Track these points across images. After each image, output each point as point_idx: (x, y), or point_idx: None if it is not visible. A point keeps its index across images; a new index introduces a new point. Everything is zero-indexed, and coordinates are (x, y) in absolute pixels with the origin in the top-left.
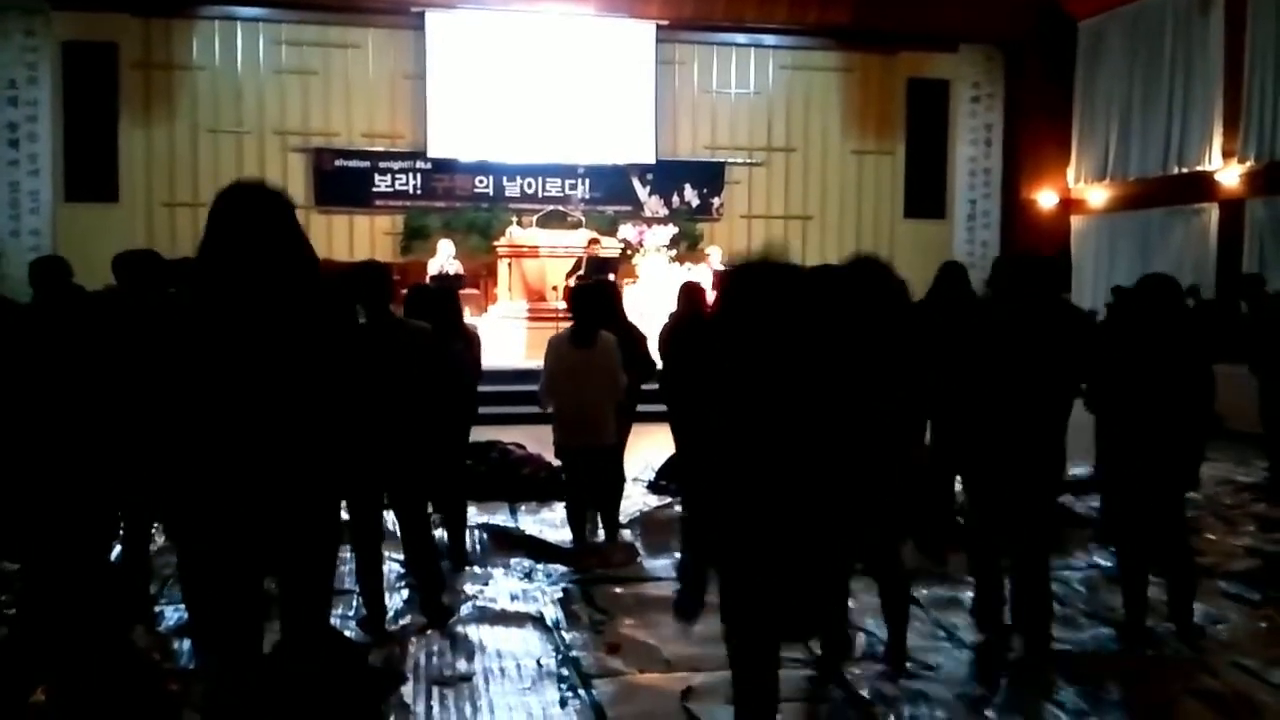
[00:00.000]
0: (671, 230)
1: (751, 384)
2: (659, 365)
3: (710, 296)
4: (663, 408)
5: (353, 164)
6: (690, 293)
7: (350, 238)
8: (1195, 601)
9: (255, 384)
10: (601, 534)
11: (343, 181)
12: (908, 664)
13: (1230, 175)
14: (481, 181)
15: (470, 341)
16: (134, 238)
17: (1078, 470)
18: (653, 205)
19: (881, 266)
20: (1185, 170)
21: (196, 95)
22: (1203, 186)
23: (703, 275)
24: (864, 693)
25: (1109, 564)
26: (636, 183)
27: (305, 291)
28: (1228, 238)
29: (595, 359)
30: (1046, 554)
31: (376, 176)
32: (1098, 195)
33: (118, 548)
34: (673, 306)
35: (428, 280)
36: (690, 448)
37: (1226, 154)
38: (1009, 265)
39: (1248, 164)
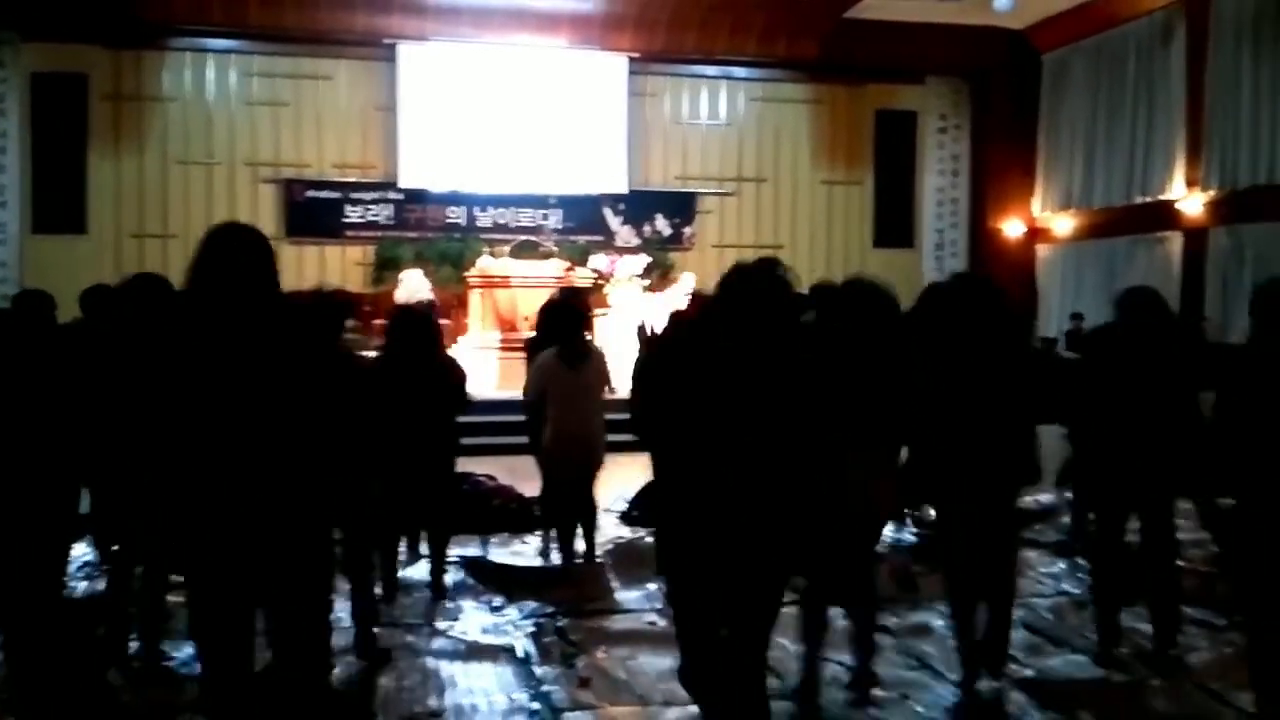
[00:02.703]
0: (643, 260)
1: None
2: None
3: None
4: (633, 438)
5: (324, 195)
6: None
7: (321, 268)
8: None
9: (242, 413)
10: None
11: (313, 212)
12: (879, 691)
13: (1193, 204)
14: (454, 212)
15: (450, 370)
16: (102, 270)
17: (1042, 497)
18: (625, 235)
19: (872, 288)
20: (1148, 199)
21: (167, 126)
22: (1166, 215)
23: (673, 301)
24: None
25: (1077, 591)
26: (608, 213)
27: (288, 326)
28: (1191, 266)
29: (588, 377)
30: (1012, 578)
31: (347, 207)
32: (1063, 224)
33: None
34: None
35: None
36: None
37: (1189, 183)
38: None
39: (1210, 193)
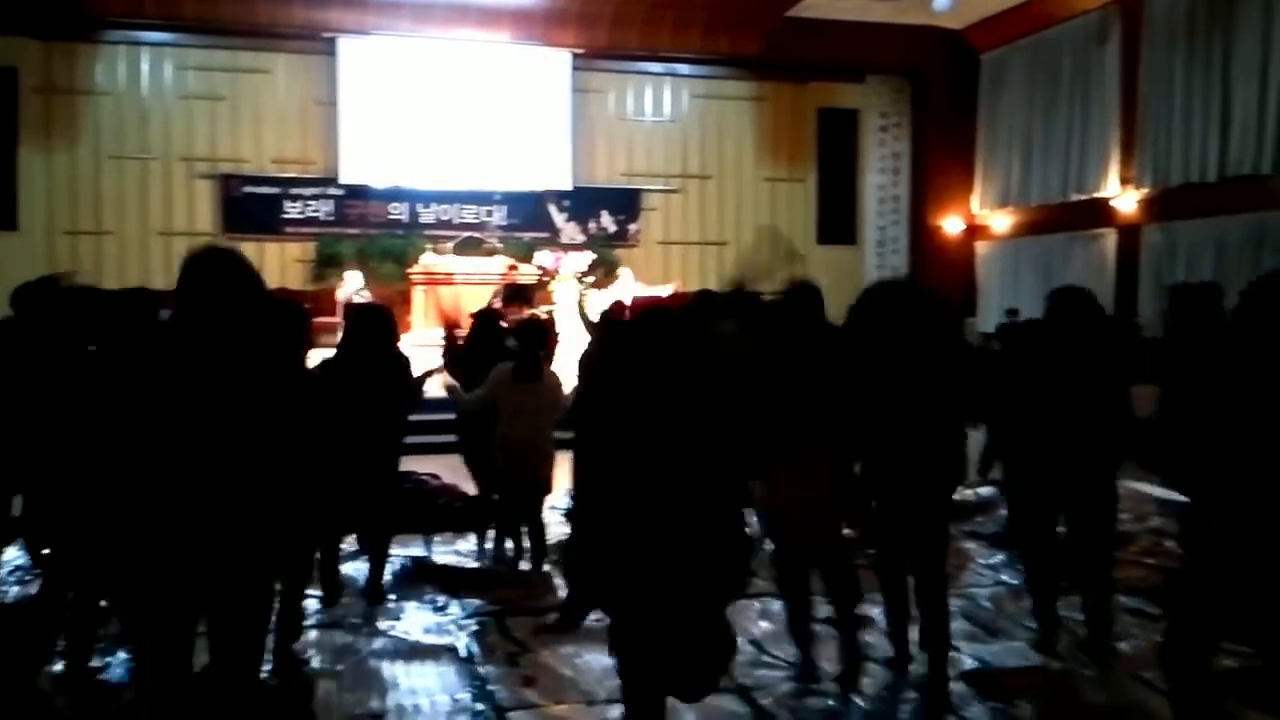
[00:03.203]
0: (588, 257)
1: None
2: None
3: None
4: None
5: (262, 190)
6: (611, 319)
7: (260, 265)
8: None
9: (196, 420)
10: (524, 564)
11: (252, 208)
12: (819, 683)
13: (1127, 202)
14: (396, 208)
15: (406, 367)
16: (34, 267)
17: (982, 490)
18: (569, 232)
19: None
20: (1084, 197)
21: (100, 121)
22: (1101, 212)
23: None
24: (773, 708)
25: (1015, 581)
26: (553, 209)
27: (250, 336)
28: (1125, 262)
29: (540, 394)
30: (943, 571)
31: (287, 203)
32: (1001, 221)
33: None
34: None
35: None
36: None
37: (1123, 181)
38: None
39: (1143, 190)
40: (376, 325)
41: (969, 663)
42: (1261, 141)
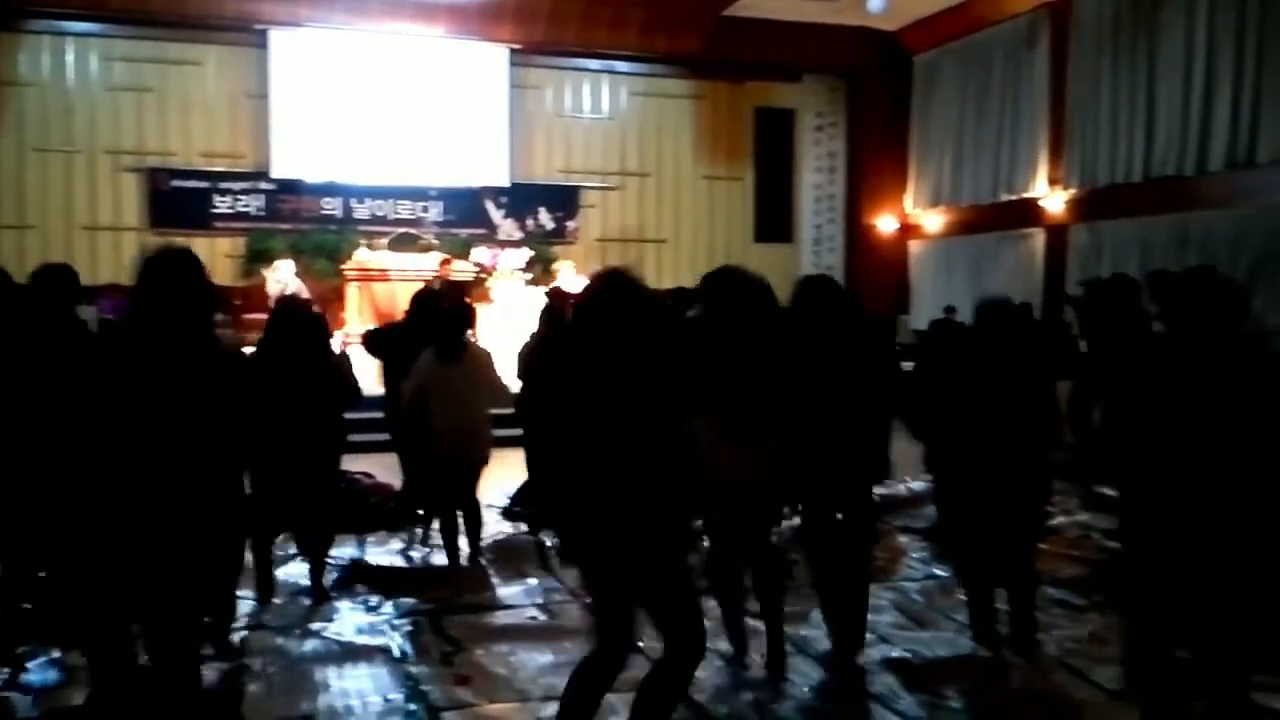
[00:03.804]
0: (526, 253)
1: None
2: (517, 387)
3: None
4: (519, 432)
5: (191, 184)
6: (551, 313)
7: None
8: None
9: (141, 421)
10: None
11: (180, 202)
12: (755, 673)
13: (1055, 202)
14: (329, 203)
15: (339, 367)
16: None
17: (914, 484)
18: (507, 228)
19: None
20: (1014, 197)
21: (23, 112)
22: (1030, 212)
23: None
24: (708, 701)
25: (944, 573)
26: (490, 206)
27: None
28: (1053, 261)
29: (467, 372)
30: (863, 566)
31: (216, 197)
32: (933, 221)
33: None
34: (531, 328)
35: (270, 303)
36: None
37: (1051, 181)
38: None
39: (1071, 191)
40: (302, 322)
41: (897, 654)
42: (1185, 143)
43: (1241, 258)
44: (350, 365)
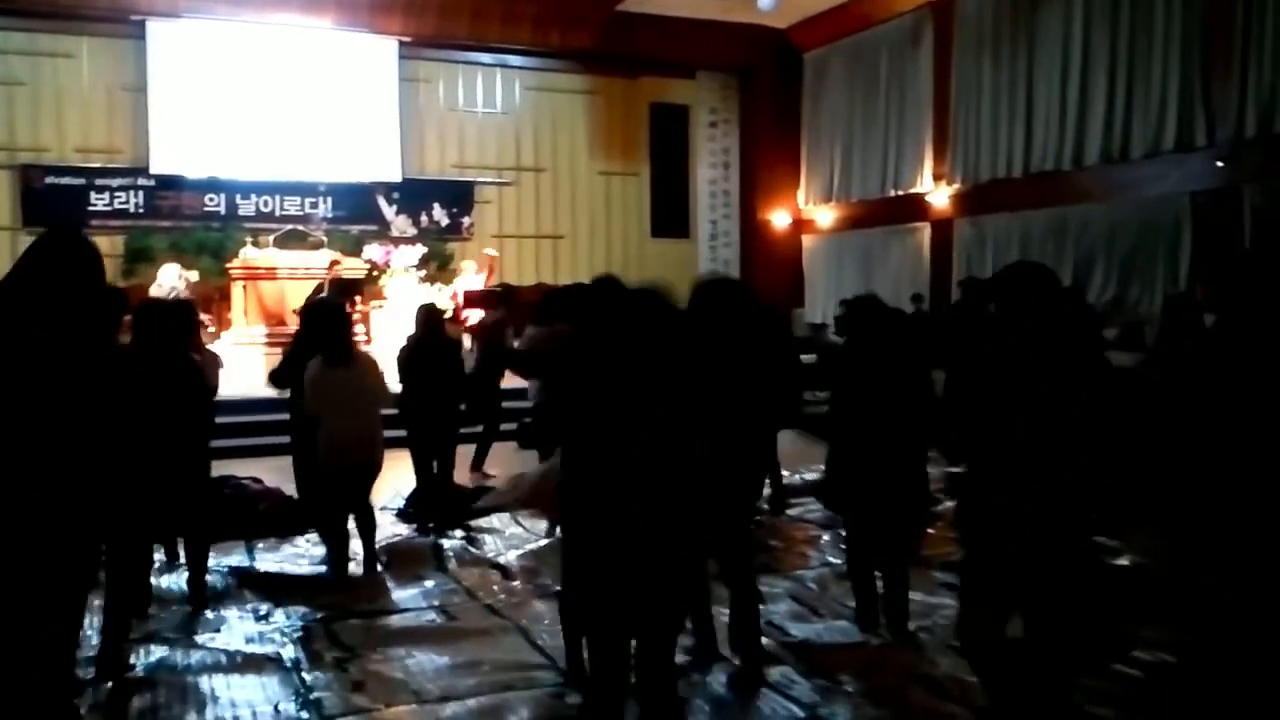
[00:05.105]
0: (420, 250)
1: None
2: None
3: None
4: (404, 433)
5: (65, 181)
6: (428, 315)
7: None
8: (915, 591)
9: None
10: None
11: (54, 200)
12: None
13: (940, 197)
14: (212, 200)
15: (198, 368)
16: None
17: (809, 474)
18: (400, 225)
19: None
20: (901, 193)
21: None
22: (916, 207)
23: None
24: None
25: (839, 561)
26: (382, 201)
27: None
28: (939, 254)
29: (356, 376)
30: (748, 563)
31: (93, 194)
32: (825, 216)
33: None
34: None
35: None
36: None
37: (936, 177)
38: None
39: (955, 186)
40: (163, 320)
41: (793, 641)
42: (1063, 140)
43: (1117, 248)
44: (216, 365)
